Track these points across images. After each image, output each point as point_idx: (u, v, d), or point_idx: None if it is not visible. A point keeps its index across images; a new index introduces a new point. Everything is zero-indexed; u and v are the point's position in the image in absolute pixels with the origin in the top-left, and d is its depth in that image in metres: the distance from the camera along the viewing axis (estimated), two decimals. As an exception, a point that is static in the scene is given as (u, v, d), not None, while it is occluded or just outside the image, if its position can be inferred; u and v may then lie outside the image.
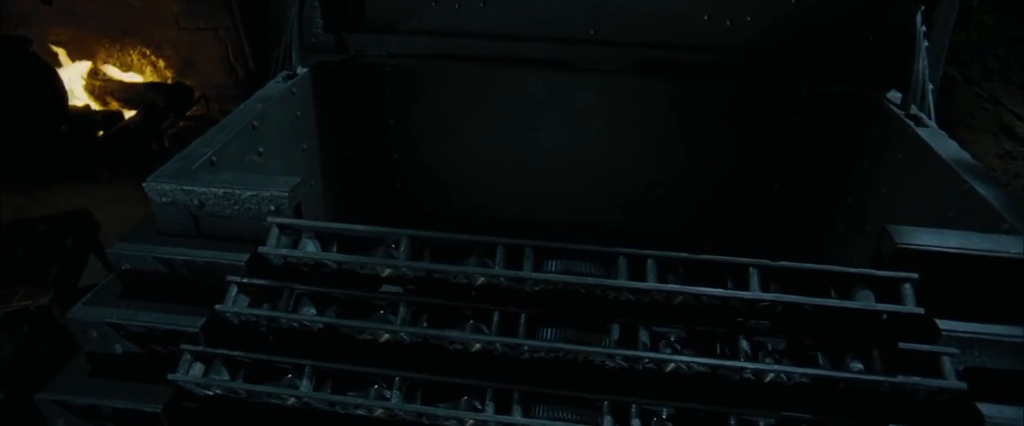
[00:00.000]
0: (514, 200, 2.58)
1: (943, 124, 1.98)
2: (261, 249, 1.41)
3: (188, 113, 5.72)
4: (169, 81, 5.85)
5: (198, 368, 1.44)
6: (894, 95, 2.12)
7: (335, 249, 1.43)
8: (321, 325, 1.39)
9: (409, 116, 2.47)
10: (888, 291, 1.27)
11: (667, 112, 2.35)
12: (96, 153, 5.07)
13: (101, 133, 5.27)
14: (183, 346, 1.44)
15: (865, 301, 1.26)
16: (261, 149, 1.95)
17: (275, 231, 1.43)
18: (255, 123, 1.90)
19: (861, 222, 2.19)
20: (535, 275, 1.33)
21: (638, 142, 2.41)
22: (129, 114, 5.54)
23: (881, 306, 1.23)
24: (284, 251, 1.40)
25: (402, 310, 1.40)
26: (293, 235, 1.45)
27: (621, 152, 2.43)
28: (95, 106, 5.65)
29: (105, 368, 1.60)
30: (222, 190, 1.52)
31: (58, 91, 5.10)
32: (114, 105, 5.70)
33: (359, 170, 2.58)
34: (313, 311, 1.44)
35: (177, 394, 1.44)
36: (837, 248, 2.37)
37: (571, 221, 2.60)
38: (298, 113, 2.18)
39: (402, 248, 1.39)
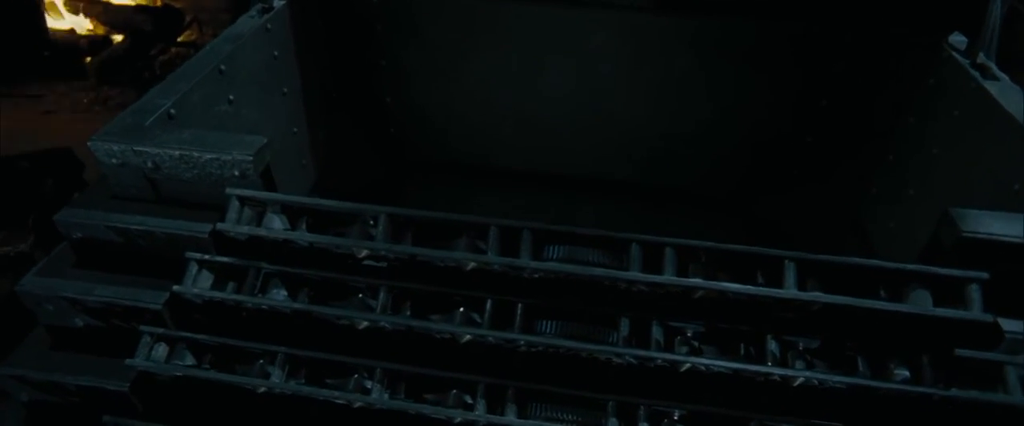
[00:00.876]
0: (517, 149, 2.37)
1: (1001, 67, 1.72)
2: (219, 225, 1.23)
3: (178, 39, 5.42)
4: (157, 3, 5.51)
5: (161, 350, 1.29)
6: (957, 39, 1.84)
7: (304, 226, 1.25)
8: (291, 310, 1.23)
9: (401, 55, 2.22)
10: (949, 291, 1.08)
11: (690, 55, 2.09)
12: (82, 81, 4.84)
13: (88, 60, 5.01)
14: (142, 328, 1.29)
15: (921, 303, 1.07)
16: (232, 96, 1.73)
17: (235, 204, 1.24)
18: (223, 67, 1.67)
19: (900, 186, 1.97)
20: (533, 264, 1.15)
21: (656, 89, 2.16)
22: (117, 38, 5.25)
23: (941, 311, 1.05)
24: (245, 229, 1.22)
25: (382, 295, 1.23)
26: (257, 208, 1.26)
27: (637, 100, 2.19)
28: (79, 29, 5.34)
29: (67, 341, 1.46)
30: (178, 151, 1.32)
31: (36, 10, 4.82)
32: (100, 29, 5.40)
33: (348, 114, 2.36)
34: (284, 293, 1.28)
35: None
36: (869, 211, 2.16)
37: (578, 173, 2.39)
38: (276, 53, 1.94)
39: (380, 227, 1.20)
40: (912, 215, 1.90)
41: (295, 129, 2.11)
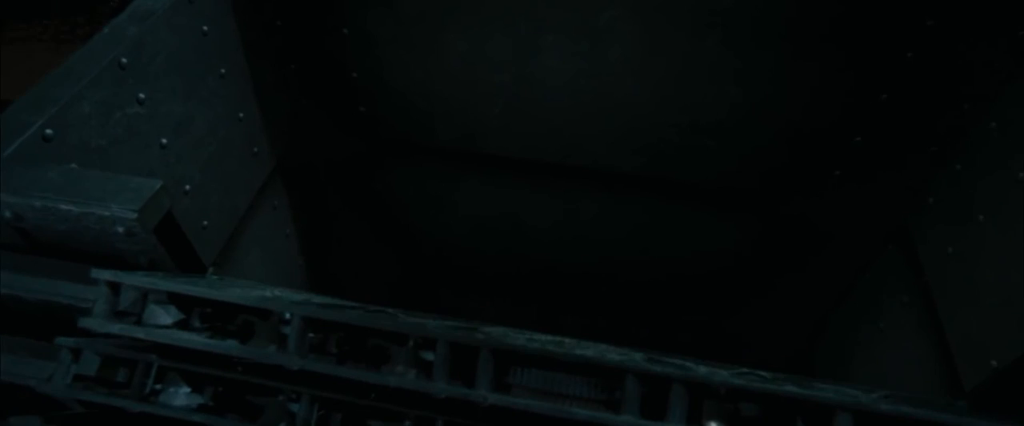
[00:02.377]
0: (509, 134, 2.01)
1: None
2: (83, 321, 0.93)
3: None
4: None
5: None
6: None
7: (198, 320, 0.95)
8: (190, 422, 0.96)
9: (368, 22, 1.82)
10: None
11: (720, 35, 1.68)
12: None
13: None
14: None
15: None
16: (142, 95, 1.38)
17: (104, 292, 0.94)
18: (124, 60, 1.32)
19: (965, 204, 1.62)
20: (491, 398, 0.85)
21: (676, 75, 1.77)
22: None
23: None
24: (117, 328, 0.93)
25: (303, 407, 0.96)
26: (136, 295, 0.96)
27: (652, 86, 1.80)
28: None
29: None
30: (40, 203, 1.01)
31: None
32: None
33: (309, 91, 2.00)
34: (183, 394, 1.00)
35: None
36: (920, 224, 1.82)
37: (579, 163, 2.04)
38: (205, 28, 1.56)
39: (293, 331, 0.90)
40: (978, 248, 1.56)
41: (241, 114, 1.77)
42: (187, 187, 1.56)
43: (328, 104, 2.03)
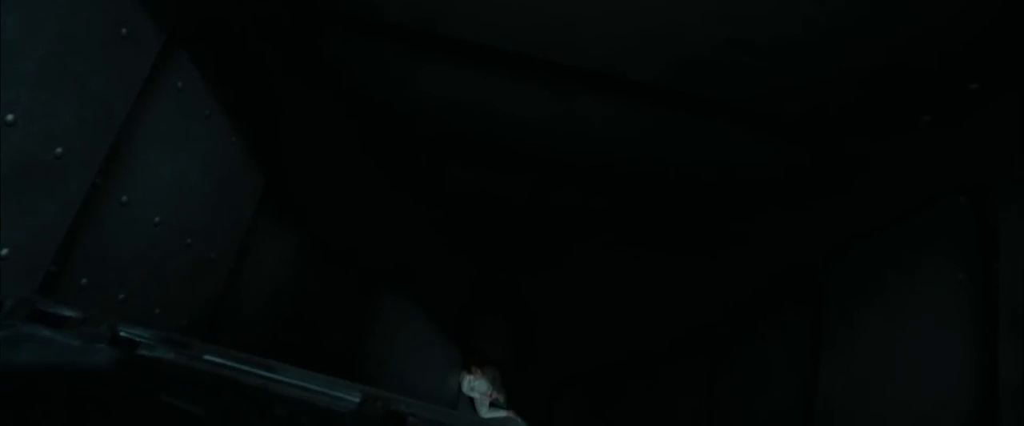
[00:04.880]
0: (482, 20, 1.45)
1: None
2: None
3: None
4: None
5: None
6: None
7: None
8: None
9: None
10: None
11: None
12: None
13: None
14: None
15: None
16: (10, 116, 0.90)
17: None
18: None
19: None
20: None
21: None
22: None
23: None
24: None
25: None
26: None
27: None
28: None
29: None
30: None
31: None
32: None
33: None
34: None
35: None
36: (1008, 183, 1.38)
37: (587, 67, 1.52)
38: None
39: None
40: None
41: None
42: (10, 117, 1.13)
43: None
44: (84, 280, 1.41)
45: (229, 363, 0.97)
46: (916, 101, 1.34)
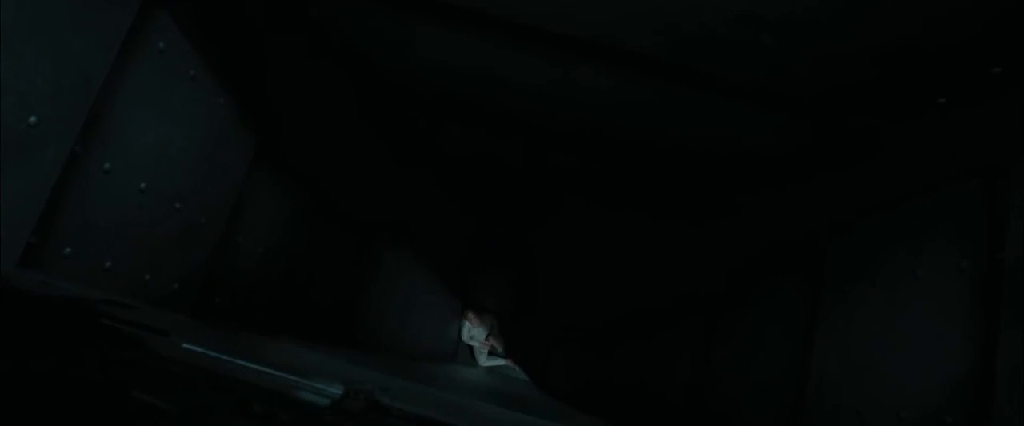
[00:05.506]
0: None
1: None
2: None
3: None
4: None
5: None
6: None
7: None
8: None
9: None
10: None
11: None
12: None
13: None
14: None
15: None
16: None
17: None
18: None
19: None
20: None
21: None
22: None
23: None
24: None
25: None
26: None
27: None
28: None
29: None
30: None
31: None
32: None
33: None
34: None
35: None
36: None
37: (587, 36, 1.44)
38: None
39: None
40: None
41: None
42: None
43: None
44: (67, 250, 1.38)
45: (210, 352, 0.95)
46: (932, 83, 1.27)
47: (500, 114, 2.13)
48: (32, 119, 1.20)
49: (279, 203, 2.21)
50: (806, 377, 1.90)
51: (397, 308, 3.90)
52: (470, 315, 6.48)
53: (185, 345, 0.96)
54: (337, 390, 0.95)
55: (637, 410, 3.08)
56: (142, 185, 1.56)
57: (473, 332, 6.54)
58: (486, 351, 6.70)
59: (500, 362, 6.72)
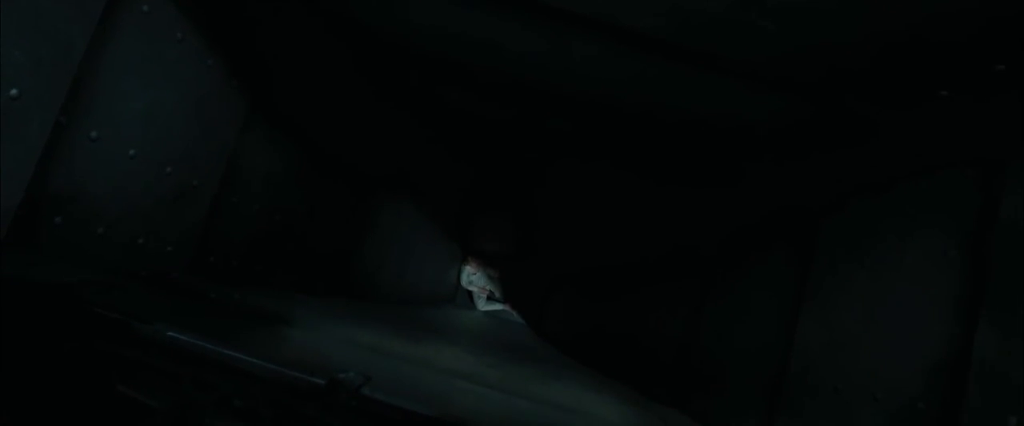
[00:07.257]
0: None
1: None
2: None
3: None
4: None
5: None
6: None
7: None
8: None
9: None
10: None
11: None
12: None
13: None
14: None
15: None
16: None
17: None
18: None
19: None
20: None
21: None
22: None
23: None
24: None
25: None
26: None
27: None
28: None
29: None
30: None
31: None
32: None
33: None
34: None
35: None
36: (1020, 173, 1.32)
37: (584, 11, 1.40)
38: None
39: None
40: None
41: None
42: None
43: None
44: (58, 219, 1.39)
45: (195, 341, 0.97)
46: (935, 75, 1.23)
47: (497, 83, 2.08)
48: (13, 92, 1.18)
49: (274, 161, 2.20)
50: (790, 349, 1.94)
51: (396, 256, 3.95)
52: (471, 261, 6.55)
53: (170, 333, 0.98)
54: (320, 382, 0.97)
55: (629, 361, 3.16)
56: (132, 151, 1.55)
57: (472, 278, 6.63)
58: (484, 296, 6.81)
59: (498, 307, 6.84)
